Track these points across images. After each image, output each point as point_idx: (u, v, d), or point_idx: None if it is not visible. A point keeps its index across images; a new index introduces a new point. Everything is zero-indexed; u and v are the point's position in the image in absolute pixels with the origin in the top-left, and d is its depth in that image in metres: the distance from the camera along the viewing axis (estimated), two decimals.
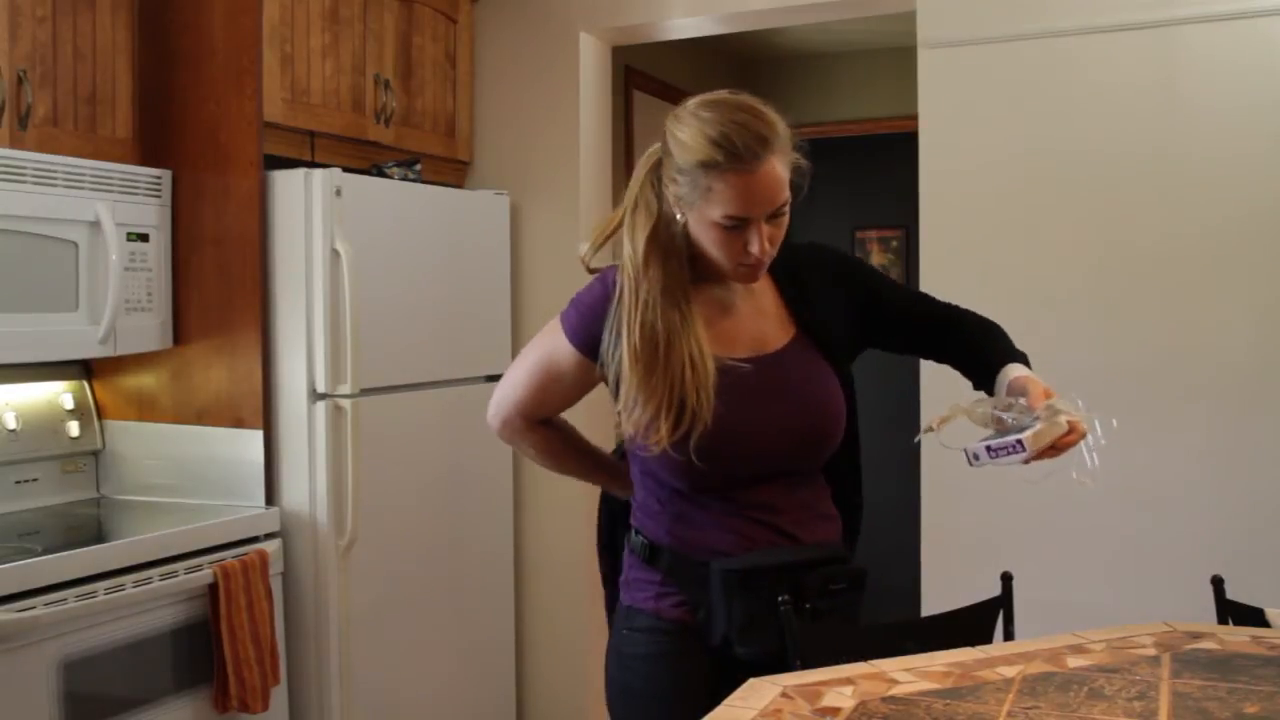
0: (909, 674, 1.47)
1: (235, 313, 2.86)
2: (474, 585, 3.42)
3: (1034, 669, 1.49)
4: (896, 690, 1.41)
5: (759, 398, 1.71)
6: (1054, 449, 1.58)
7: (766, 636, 1.67)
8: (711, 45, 4.59)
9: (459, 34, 3.61)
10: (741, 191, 1.61)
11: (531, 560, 3.68)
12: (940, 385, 2.81)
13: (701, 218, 1.65)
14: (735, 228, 1.64)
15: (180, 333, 2.91)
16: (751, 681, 1.44)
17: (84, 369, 3.01)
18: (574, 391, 1.84)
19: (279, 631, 2.77)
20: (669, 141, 1.67)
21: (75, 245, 2.62)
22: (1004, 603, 1.88)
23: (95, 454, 3.00)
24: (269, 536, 2.81)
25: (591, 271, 1.82)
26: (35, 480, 2.84)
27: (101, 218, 2.64)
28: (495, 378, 3.50)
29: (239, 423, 2.87)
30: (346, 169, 2.96)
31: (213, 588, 2.57)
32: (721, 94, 1.68)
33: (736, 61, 5.21)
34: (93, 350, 2.71)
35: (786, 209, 1.66)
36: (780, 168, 1.63)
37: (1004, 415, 1.61)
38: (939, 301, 1.90)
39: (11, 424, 2.79)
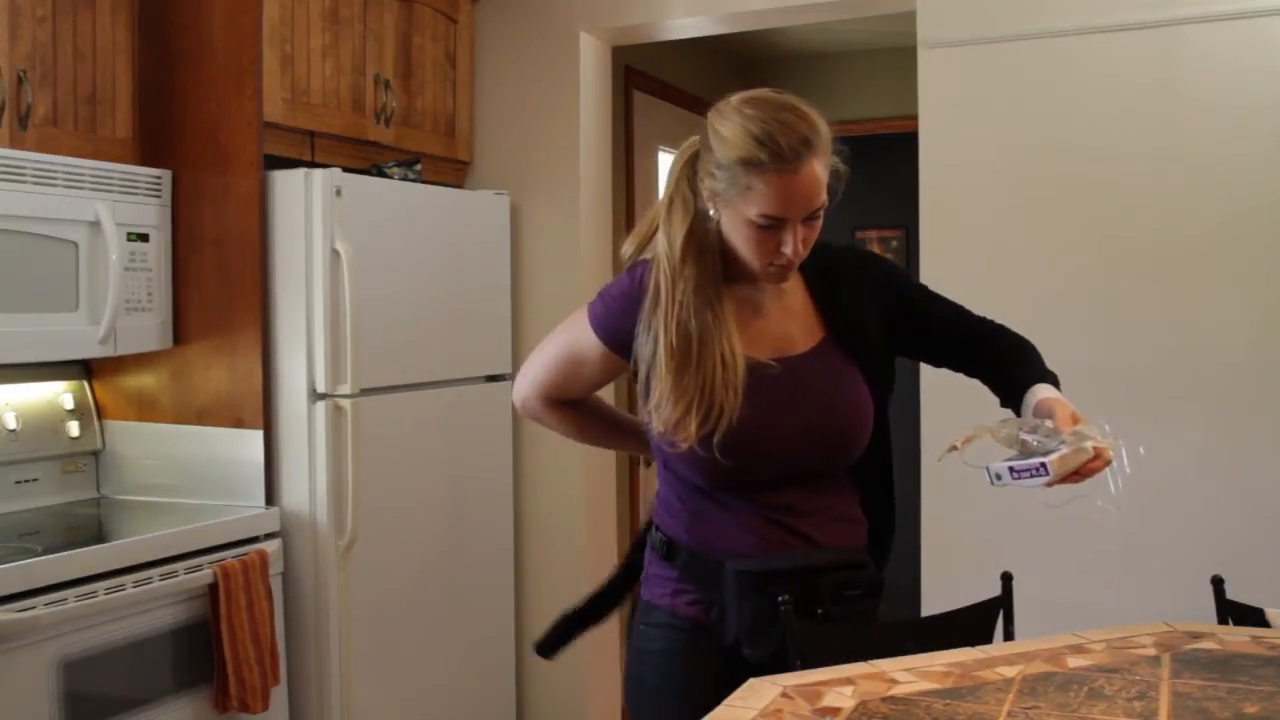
0: (909, 674, 1.47)
1: (235, 313, 2.86)
2: (474, 585, 3.42)
3: (1034, 669, 1.49)
4: (896, 690, 1.41)
5: (783, 398, 1.71)
6: (1078, 474, 1.56)
7: (773, 639, 1.66)
8: (711, 45, 4.59)
9: (459, 34, 3.61)
10: (781, 191, 1.60)
11: (531, 560, 3.68)
12: (940, 387, 2.81)
13: (737, 215, 1.65)
14: (770, 227, 1.63)
15: (180, 333, 2.91)
16: (751, 681, 1.44)
17: (84, 369, 3.01)
18: (597, 380, 1.86)
19: (279, 631, 2.77)
20: (710, 136, 1.66)
21: (75, 245, 2.62)
22: (1004, 603, 1.88)
23: (95, 454, 3.00)
24: (269, 536, 2.81)
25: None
26: (35, 480, 2.84)
27: (101, 218, 2.64)
28: (495, 378, 3.55)
29: (239, 423, 2.87)
30: (346, 169, 2.96)
31: (213, 588, 2.57)
32: (765, 91, 1.67)
33: (736, 61, 5.21)
34: (93, 350, 2.71)
35: (822, 212, 1.66)
36: (820, 169, 1.63)
37: (1029, 437, 1.59)
38: (974, 315, 1.87)
39: (11, 424, 2.79)
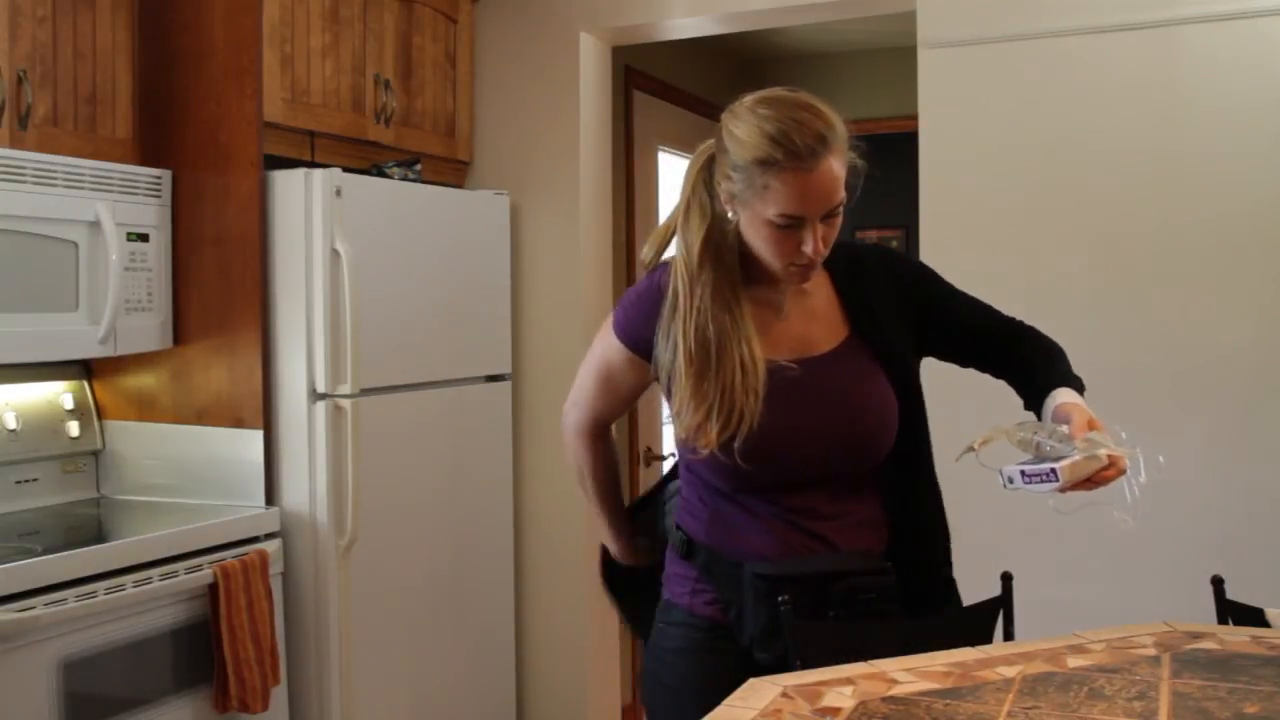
0: (909, 674, 1.47)
1: (235, 313, 2.86)
2: (474, 585, 3.42)
3: (1034, 669, 1.49)
4: (896, 690, 1.41)
5: (803, 401, 1.70)
6: (1090, 482, 1.54)
7: (783, 643, 1.66)
8: (711, 45, 4.59)
9: (459, 34, 3.61)
10: (799, 190, 1.59)
11: (531, 560, 3.68)
12: (940, 387, 2.80)
13: (755, 216, 1.64)
14: (790, 227, 1.62)
15: (180, 333, 2.91)
16: (751, 681, 1.44)
17: (84, 369, 3.01)
18: (631, 390, 1.86)
19: (279, 631, 2.77)
20: (724, 138, 1.65)
21: (75, 245, 2.62)
22: (1004, 603, 1.87)
23: (95, 454, 3.00)
24: (269, 536, 2.81)
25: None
26: (35, 480, 2.84)
27: (101, 218, 2.64)
28: (495, 378, 3.55)
29: (239, 423, 2.87)
30: (346, 169, 2.96)
31: (213, 588, 2.57)
32: (779, 90, 1.66)
33: (736, 61, 5.21)
34: (93, 350, 2.71)
35: (841, 209, 1.65)
36: (838, 167, 1.62)
37: (1043, 441, 1.57)
38: (1003, 316, 1.86)
39: (11, 424, 2.79)
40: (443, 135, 3.56)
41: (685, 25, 3.65)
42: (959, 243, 3.15)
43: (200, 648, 2.58)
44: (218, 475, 2.89)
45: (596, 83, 3.69)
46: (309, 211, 2.84)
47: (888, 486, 1.78)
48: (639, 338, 1.77)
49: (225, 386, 2.88)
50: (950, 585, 1.84)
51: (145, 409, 2.97)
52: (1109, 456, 1.53)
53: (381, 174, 3.20)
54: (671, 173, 4.83)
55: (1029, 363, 1.79)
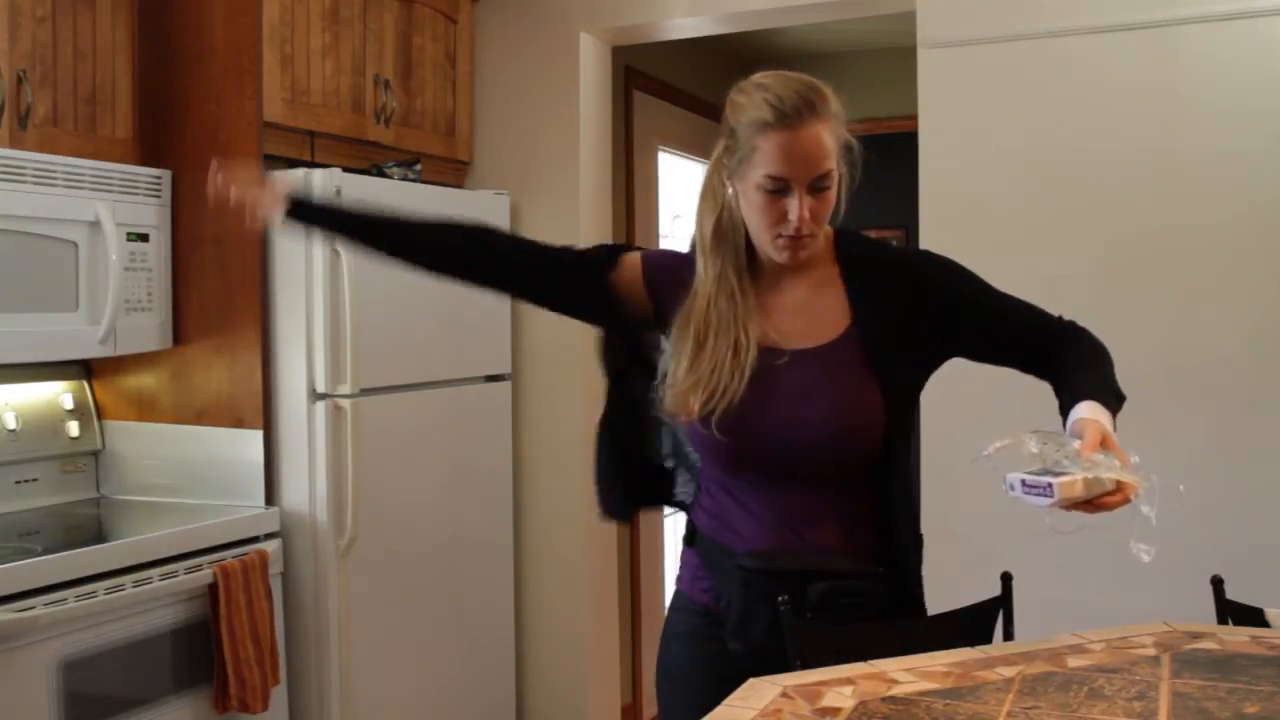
0: (909, 674, 1.47)
1: (235, 313, 2.86)
2: (474, 585, 3.42)
3: (1034, 669, 1.49)
4: (896, 690, 1.41)
5: (785, 389, 1.71)
6: (1091, 504, 1.49)
7: (754, 634, 1.69)
8: (711, 45, 4.59)
9: (459, 34, 3.61)
10: (784, 150, 1.62)
11: (531, 560, 3.68)
12: (939, 386, 2.79)
13: (747, 185, 1.67)
14: (776, 191, 1.64)
15: (180, 333, 2.91)
16: (751, 681, 1.44)
17: (84, 369, 3.01)
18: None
19: (279, 631, 2.77)
20: (728, 110, 1.70)
21: (75, 245, 2.62)
22: (1004, 603, 1.88)
23: (95, 454, 3.00)
24: (269, 536, 2.81)
25: None
26: (35, 480, 2.84)
27: (101, 218, 2.64)
28: (495, 378, 3.55)
29: (239, 423, 2.87)
30: (346, 169, 2.96)
31: (213, 588, 2.57)
32: (785, 70, 1.71)
33: (737, 61, 5.18)
34: (93, 350, 2.71)
35: (830, 182, 1.66)
36: (826, 136, 1.64)
37: (1050, 454, 1.51)
38: (1046, 317, 1.82)
39: (11, 424, 2.79)
40: (443, 135, 3.56)
41: (685, 25, 3.65)
42: (959, 242, 3.11)
43: (200, 648, 2.58)
44: (218, 475, 2.89)
45: (596, 83, 3.69)
46: None
47: (868, 492, 1.76)
48: (656, 280, 1.81)
49: (225, 386, 2.88)
50: (918, 602, 1.82)
51: (145, 409, 2.97)
52: (1118, 483, 1.48)
53: (381, 174, 3.20)
54: (671, 173, 4.83)
55: (1066, 369, 1.75)
